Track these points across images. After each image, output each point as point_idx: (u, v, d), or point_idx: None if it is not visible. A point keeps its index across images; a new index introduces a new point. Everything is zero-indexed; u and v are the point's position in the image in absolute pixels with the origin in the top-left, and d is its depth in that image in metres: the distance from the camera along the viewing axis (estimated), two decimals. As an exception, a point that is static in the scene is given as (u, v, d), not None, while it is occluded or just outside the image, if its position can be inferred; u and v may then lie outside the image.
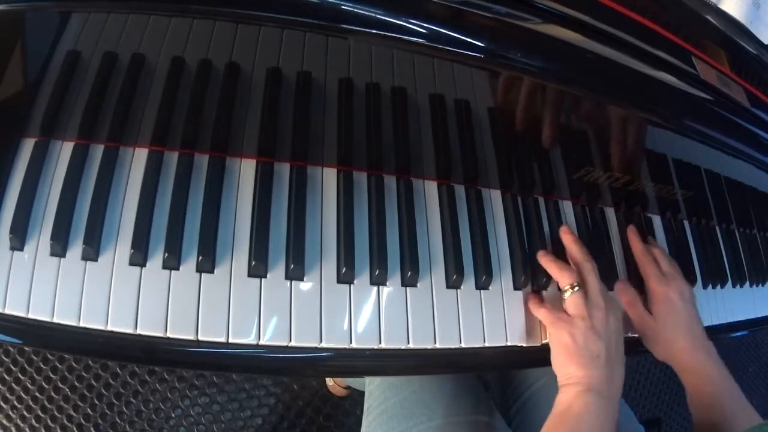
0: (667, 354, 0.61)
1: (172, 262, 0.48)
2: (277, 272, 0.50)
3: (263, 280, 0.50)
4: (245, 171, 0.53)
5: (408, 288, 0.53)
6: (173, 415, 1.10)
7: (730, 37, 0.55)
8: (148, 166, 0.50)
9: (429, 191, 0.58)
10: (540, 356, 0.56)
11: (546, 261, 0.59)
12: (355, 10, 0.39)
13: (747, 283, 0.81)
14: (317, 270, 0.51)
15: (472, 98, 0.50)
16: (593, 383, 0.52)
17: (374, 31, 0.40)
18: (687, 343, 0.60)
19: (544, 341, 0.58)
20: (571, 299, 0.55)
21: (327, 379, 1.19)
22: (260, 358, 0.49)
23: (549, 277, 0.58)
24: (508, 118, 0.52)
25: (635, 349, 0.64)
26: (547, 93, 0.49)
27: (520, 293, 0.58)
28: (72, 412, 1.06)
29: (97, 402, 1.07)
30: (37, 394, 1.05)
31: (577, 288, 0.55)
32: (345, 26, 0.40)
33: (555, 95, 0.49)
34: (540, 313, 0.57)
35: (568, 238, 0.60)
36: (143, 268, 0.47)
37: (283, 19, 0.40)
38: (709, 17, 0.54)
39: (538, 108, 0.51)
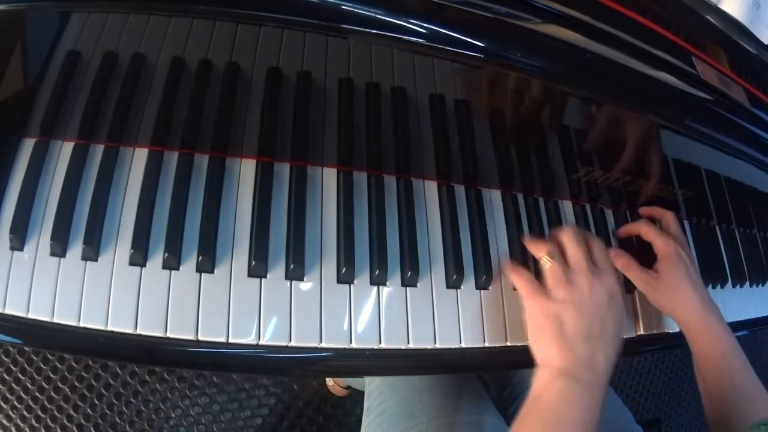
0: (672, 307, 0.59)
1: (172, 262, 0.48)
2: (277, 272, 0.50)
3: (263, 280, 0.50)
4: (245, 171, 0.53)
5: (408, 288, 0.53)
6: (173, 415, 1.11)
7: (730, 37, 0.55)
8: (148, 166, 0.50)
9: (429, 191, 0.58)
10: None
11: (527, 242, 0.57)
12: (355, 10, 0.39)
13: (747, 283, 0.81)
14: (317, 270, 0.51)
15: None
16: (569, 366, 0.48)
17: (374, 31, 0.40)
18: (694, 299, 0.58)
19: None
20: (550, 269, 0.52)
21: (327, 379, 1.19)
22: (260, 358, 0.49)
23: None
24: (508, 117, 0.52)
25: (635, 349, 0.64)
26: (545, 92, 0.49)
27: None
28: (72, 412, 1.06)
29: (97, 402, 1.07)
30: (37, 394, 1.05)
31: (554, 258, 0.52)
32: (345, 26, 0.40)
33: (554, 95, 0.49)
34: (516, 280, 0.53)
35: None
36: (143, 268, 0.47)
37: (283, 19, 0.40)
38: (709, 17, 0.54)
39: (537, 108, 0.51)
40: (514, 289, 0.57)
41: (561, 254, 0.54)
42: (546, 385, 0.48)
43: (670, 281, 0.59)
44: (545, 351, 0.49)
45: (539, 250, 0.54)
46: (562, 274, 0.51)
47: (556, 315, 0.49)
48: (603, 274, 0.53)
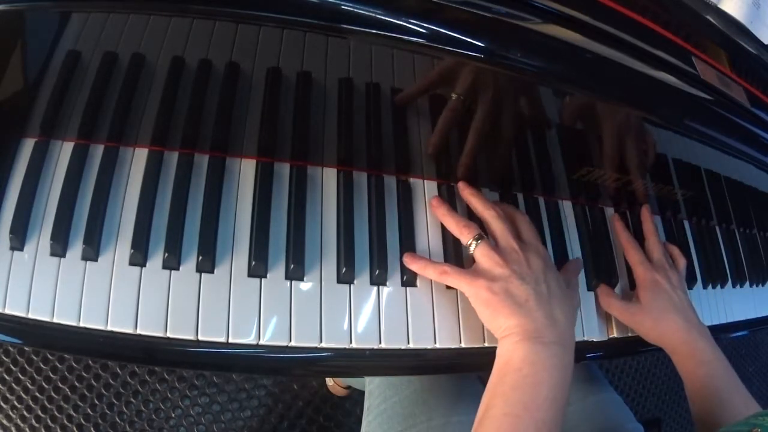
0: (656, 335, 0.59)
1: (172, 262, 0.48)
2: (277, 272, 0.50)
3: (263, 280, 0.50)
4: (245, 171, 0.53)
5: (408, 288, 0.53)
6: (173, 415, 1.11)
7: (730, 37, 0.55)
8: (148, 166, 0.50)
9: (429, 191, 0.58)
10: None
11: (442, 213, 0.54)
12: (355, 10, 0.39)
13: (747, 283, 0.81)
14: (317, 270, 0.51)
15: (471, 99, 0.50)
16: (529, 330, 0.47)
17: (374, 31, 0.40)
18: (677, 324, 0.58)
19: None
20: (479, 251, 0.51)
21: (327, 379, 1.19)
22: (260, 358, 0.49)
23: None
24: (508, 118, 0.52)
25: (635, 349, 0.64)
26: (544, 92, 0.49)
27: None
28: (72, 412, 1.06)
29: (97, 402, 1.07)
30: (37, 394, 1.05)
31: (479, 240, 0.51)
32: (345, 26, 0.40)
33: (552, 94, 0.49)
34: (448, 279, 0.51)
35: (467, 192, 0.56)
36: (143, 268, 0.47)
37: (283, 19, 0.40)
38: (709, 17, 0.54)
39: (536, 108, 0.51)
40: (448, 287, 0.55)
41: (488, 234, 0.53)
42: (512, 352, 0.47)
43: (651, 311, 0.59)
44: (503, 323, 0.48)
45: (465, 234, 0.52)
46: (494, 254, 0.50)
47: (502, 289, 0.49)
48: (532, 246, 0.53)
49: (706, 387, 0.56)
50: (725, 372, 0.56)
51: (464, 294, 0.52)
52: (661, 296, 0.60)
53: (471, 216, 0.57)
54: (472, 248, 0.52)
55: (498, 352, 0.49)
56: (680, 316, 0.59)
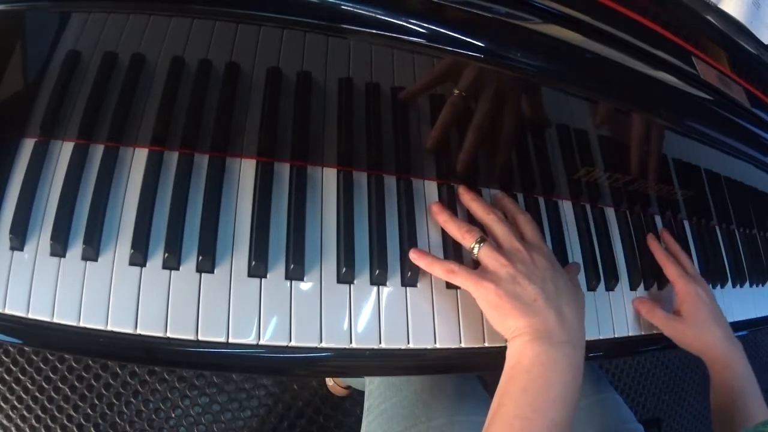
0: (699, 347, 0.61)
1: (172, 262, 0.48)
2: (277, 272, 0.50)
3: (263, 280, 0.50)
4: (245, 171, 0.53)
5: (408, 288, 0.53)
6: (173, 415, 1.11)
7: (730, 37, 0.55)
8: (148, 166, 0.50)
9: (429, 191, 0.58)
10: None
11: (443, 219, 0.54)
12: (355, 10, 0.39)
13: (747, 283, 0.81)
14: (317, 270, 0.51)
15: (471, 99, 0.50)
16: (539, 329, 0.47)
17: (374, 31, 0.40)
18: (719, 336, 0.60)
19: None
20: (483, 253, 0.51)
21: (327, 379, 1.19)
22: (260, 358, 0.49)
23: None
24: (508, 116, 0.52)
25: (635, 349, 0.64)
26: (545, 92, 0.49)
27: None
28: (72, 412, 1.06)
29: (97, 402, 1.07)
30: (37, 394, 1.05)
31: (483, 242, 0.51)
32: (345, 26, 0.40)
33: (553, 94, 0.49)
34: (456, 278, 0.50)
35: (467, 197, 0.56)
36: (143, 268, 0.47)
37: (283, 19, 0.40)
38: (709, 17, 0.54)
39: (536, 108, 0.51)
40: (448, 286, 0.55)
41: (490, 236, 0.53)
42: (521, 353, 0.47)
43: (694, 324, 0.61)
44: (512, 324, 0.48)
45: (467, 238, 0.52)
46: (498, 255, 0.50)
47: (509, 290, 0.48)
48: (536, 246, 0.53)
49: (733, 399, 0.58)
50: (754, 385, 0.59)
51: (466, 294, 0.52)
52: (703, 308, 0.62)
53: (471, 220, 0.57)
54: (475, 251, 0.51)
55: (507, 353, 0.49)
56: (720, 328, 0.61)
